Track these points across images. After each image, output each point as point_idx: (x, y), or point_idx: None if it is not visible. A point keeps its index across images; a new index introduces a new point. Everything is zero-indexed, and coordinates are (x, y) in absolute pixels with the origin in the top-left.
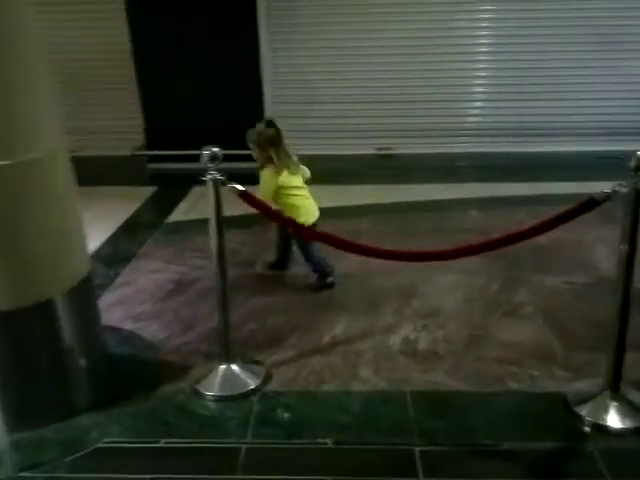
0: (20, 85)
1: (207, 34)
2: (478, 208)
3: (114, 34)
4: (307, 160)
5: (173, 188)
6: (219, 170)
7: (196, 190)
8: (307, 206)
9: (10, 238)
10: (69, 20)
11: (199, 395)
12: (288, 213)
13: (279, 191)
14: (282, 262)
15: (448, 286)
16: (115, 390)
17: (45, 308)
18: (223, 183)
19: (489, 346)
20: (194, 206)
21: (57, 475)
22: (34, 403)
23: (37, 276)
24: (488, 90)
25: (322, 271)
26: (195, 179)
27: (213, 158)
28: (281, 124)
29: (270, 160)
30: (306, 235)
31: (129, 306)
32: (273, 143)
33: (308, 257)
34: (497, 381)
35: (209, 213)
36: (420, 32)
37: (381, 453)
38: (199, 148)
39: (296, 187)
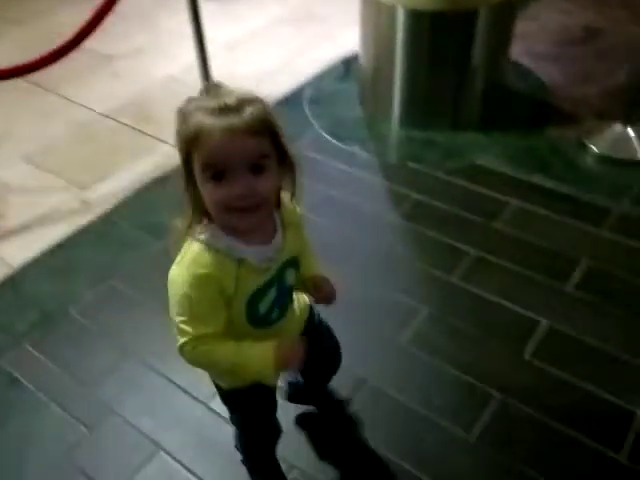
0: None
1: None
2: None
3: None
4: None
5: None
6: None
7: None
8: None
9: None
10: None
11: (584, 148)
12: None
13: None
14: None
15: None
16: (500, 118)
17: (470, 18)
18: None
19: None
20: None
21: (438, 175)
22: (430, 107)
23: None
24: None
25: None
26: None
27: None
28: None
29: None
30: None
31: (529, 42)
32: None
33: None
34: None
35: None
36: None
37: None
38: None
39: None
